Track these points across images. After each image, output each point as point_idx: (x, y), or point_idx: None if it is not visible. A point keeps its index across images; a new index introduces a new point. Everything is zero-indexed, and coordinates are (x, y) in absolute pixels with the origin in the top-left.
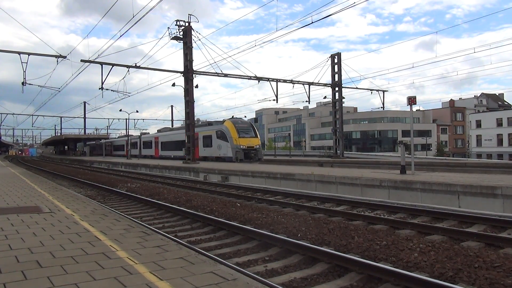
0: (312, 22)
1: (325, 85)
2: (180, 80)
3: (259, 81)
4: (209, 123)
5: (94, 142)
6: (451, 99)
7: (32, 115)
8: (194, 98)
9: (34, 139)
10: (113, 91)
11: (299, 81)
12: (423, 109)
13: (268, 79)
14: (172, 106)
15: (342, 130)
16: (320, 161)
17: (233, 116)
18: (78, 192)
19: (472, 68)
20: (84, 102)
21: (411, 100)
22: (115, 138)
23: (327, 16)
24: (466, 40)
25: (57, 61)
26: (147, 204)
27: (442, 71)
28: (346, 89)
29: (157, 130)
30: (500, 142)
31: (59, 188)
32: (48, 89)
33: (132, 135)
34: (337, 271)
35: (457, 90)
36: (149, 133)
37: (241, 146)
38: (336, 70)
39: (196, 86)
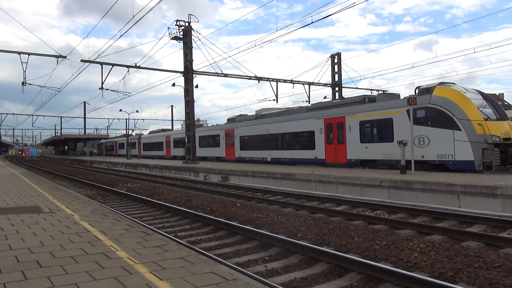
0: (312, 22)
1: (325, 85)
2: (180, 80)
3: (259, 81)
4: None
5: (101, 140)
6: None
7: (32, 115)
8: (194, 98)
9: (34, 139)
10: (113, 91)
11: (299, 81)
12: None
13: (268, 79)
14: (172, 106)
15: None
16: None
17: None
18: (78, 192)
19: (471, 68)
20: (84, 102)
21: (411, 100)
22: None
23: (327, 16)
24: (466, 40)
25: (57, 61)
26: (147, 204)
27: (441, 71)
28: (346, 89)
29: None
30: None
31: (59, 188)
32: (48, 89)
33: (142, 134)
34: (337, 271)
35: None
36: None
37: (493, 138)
38: (336, 70)
39: (196, 86)
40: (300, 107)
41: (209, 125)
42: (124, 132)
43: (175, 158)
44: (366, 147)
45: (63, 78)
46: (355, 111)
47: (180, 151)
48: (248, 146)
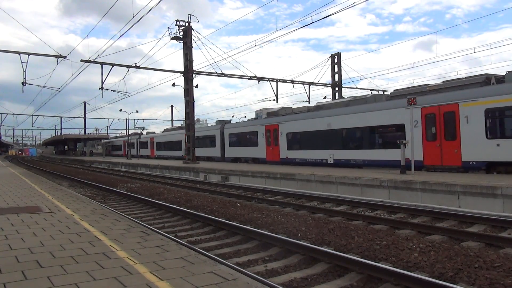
0: (312, 22)
1: (325, 85)
2: (180, 80)
3: (259, 81)
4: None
5: (103, 140)
6: None
7: (32, 115)
8: (194, 98)
9: (34, 139)
10: (113, 91)
11: (299, 81)
12: None
13: (268, 79)
14: (172, 106)
15: None
16: None
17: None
18: (78, 192)
19: (471, 68)
20: (84, 102)
21: (411, 100)
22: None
23: (327, 16)
24: (466, 40)
25: (57, 61)
26: (147, 204)
27: (441, 71)
28: (346, 89)
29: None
30: None
31: (59, 188)
32: (48, 89)
33: (154, 132)
34: (337, 271)
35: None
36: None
37: None
38: (336, 70)
39: (196, 86)
40: (375, 95)
41: (208, 125)
42: (123, 132)
43: (197, 159)
44: (498, 145)
45: (63, 78)
46: (476, 96)
47: (204, 151)
48: (299, 144)
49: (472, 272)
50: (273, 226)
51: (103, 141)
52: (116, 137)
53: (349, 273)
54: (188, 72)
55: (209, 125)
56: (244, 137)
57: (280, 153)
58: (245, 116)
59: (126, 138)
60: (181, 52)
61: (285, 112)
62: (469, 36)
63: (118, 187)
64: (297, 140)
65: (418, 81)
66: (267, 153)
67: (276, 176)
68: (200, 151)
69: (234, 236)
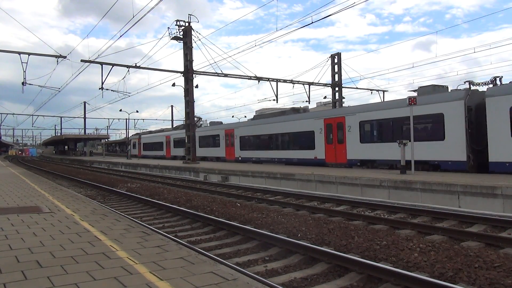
0: (312, 22)
1: (325, 85)
2: (180, 80)
3: (259, 81)
4: None
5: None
6: None
7: (32, 115)
8: (194, 98)
9: (34, 139)
10: (113, 91)
11: (299, 81)
12: None
13: (268, 79)
14: (172, 106)
15: None
16: None
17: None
18: (78, 192)
19: (470, 68)
20: (84, 102)
21: (411, 100)
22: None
23: (327, 16)
24: (465, 40)
25: (57, 61)
26: (147, 204)
27: (440, 71)
28: (346, 89)
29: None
30: None
31: (59, 188)
32: (48, 89)
33: (167, 129)
34: (337, 271)
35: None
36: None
37: None
38: (336, 70)
39: (196, 86)
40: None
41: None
42: (123, 132)
43: (240, 160)
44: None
45: (63, 78)
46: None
47: (253, 153)
48: (375, 138)
49: (472, 272)
50: (273, 226)
51: (130, 136)
52: (151, 132)
53: (349, 273)
54: (188, 72)
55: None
56: (296, 138)
57: (347, 153)
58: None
59: (172, 131)
60: (181, 52)
61: (362, 109)
62: (468, 36)
63: (118, 187)
64: (374, 135)
65: (418, 81)
66: (326, 153)
67: (276, 176)
68: (247, 153)
69: (234, 236)
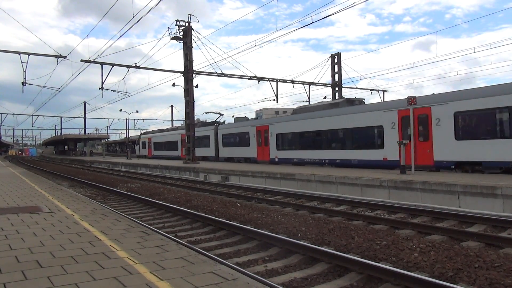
0: (312, 22)
1: (325, 85)
2: (180, 80)
3: (259, 81)
4: None
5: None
6: None
7: (32, 115)
8: (194, 98)
9: (34, 139)
10: (113, 91)
11: (299, 81)
12: None
13: (268, 79)
14: (172, 106)
15: None
16: None
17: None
18: (78, 192)
19: (470, 68)
20: (84, 102)
21: (411, 100)
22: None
23: (327, 16)
24: (465, 40)
25: (57, 61)
26: (147, 204)
27: (440, 71)
28: (346, 89)
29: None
30: None
31: (59, 188)
32: (48, 89)
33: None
34: (337, 271)
35: (455, 89)
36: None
37: None
38: (336, 70)
39: (196, 86)
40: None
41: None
42: (124, 132)
43: (276, 162)
44: (279, 150)
45: (63, 78)
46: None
47: (295, 153)
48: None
49: (472, 272)
50: (273, 226)
51: (141, 132)
52: (163, 130)
53: (349, 273)
54: (188, 72)
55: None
56: (361, 134)
57: (433, 154)
58: (245, 116)
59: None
60: (181, 52)
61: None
62: (468, 36)
63: (118, 187)
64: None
65: (418, 81)
66: (418, 154)
67: (276, 176)
68: (285, 153)
69: (234, 236)
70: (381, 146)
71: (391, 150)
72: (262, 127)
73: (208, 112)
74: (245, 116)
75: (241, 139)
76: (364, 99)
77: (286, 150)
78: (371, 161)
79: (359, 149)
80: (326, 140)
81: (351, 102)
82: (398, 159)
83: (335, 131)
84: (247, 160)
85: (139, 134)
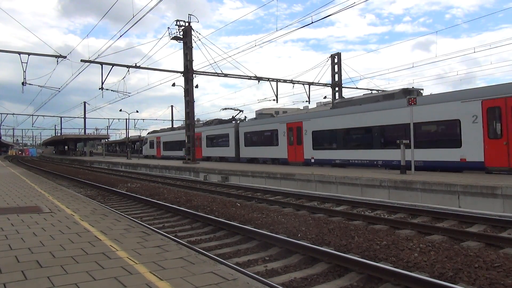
0: (312, 22)
1: (325, 85)
2: (180, 80)
3: (259, 81)
4: None
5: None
6: None
7: (32, 115)
8: (194, 98)
9: (34, 139)
10: (113, 91)
11: (299, 81)
12: None
13: (268, 79)
14: (172, 106)
15: None
16: None
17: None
18: (78, 192)
19: (470, 68)
20: (84, 102)
21: (411, 100)
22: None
23: (327, 16)
24: (465, 40)
25: (57, 61)
26: (147, 204)
27: (440, 71)
28: (346, 89)
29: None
30: None
31: (59, 188)
32: (48, 89)
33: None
34: (337, 271)
35: (455, 89)
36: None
37: None
38: (336, 70)
39: (196, 86)
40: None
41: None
42: (124, 132)
43: (313, 163)
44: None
45: (63, 78)
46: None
47: (336, 154)
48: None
49: (472, 272)
50: (273, 226)
51: (148, 132)
52: (173, 128)
53: (349, 273)
54: (188, 72)
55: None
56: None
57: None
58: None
59: (204, 127)
60: (181, 52)
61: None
62: (468, 36)
63: (118, 187)
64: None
65: (418, 81)
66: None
67: (276, 176)
68: (321, 153)
69: (234, 236)
70: (457, 144)
71: (471, 149)
72: (294, 124)
73: (225, 108)
74: (275, 112)
75: (267, 138)
76: (422, 89)
77: (324, 150)
78: (443, 162)
79: (425, 148)
80: (378, 138)
81: (409, 92)
82: (482, 159)
83: (392, 127)
84: (274, 161)
85: (141, 133)
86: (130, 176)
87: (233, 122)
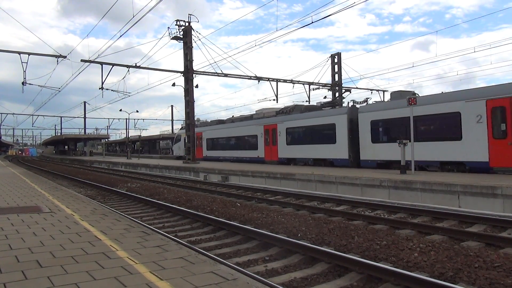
0: (312, 22)
1: (325, 85)
2: (180, 80)
3: (259, 81)
4: None
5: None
6: None
7: (32, 115)
8: (194, 98)
9: (34, 139)
10: (113, 91)
11: (299, 81)
12: None
13: (268, 79)
14: (172, 106)
15: None
16: None
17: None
18: (78, 192)
19: (470, 68)
20: (84, 102)
21: (411, 100)
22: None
23: (327, 16)
24: (465, 40)
25: (57, 61)
26: (147, 204)
27: (439, 71)
28: (345, 88)
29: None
30: None
31: (59, 188)
32: (48, 89)
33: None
34: (337, 271)
35: (455, 89)
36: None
37: None
38: (336, 70)
39: (196, 86)
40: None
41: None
42: (124, 132)
43: (380, 164)
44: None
45: (63, 78)
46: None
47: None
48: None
49: (472, 272)
50: (273, 226)
51: (181, 125)
52: (221, 121)
53: (349, 273)
54: (188, 72)
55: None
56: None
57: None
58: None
59: (281, 116)
60: (181, 52)
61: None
62: (468, 36)
63: (118, 187)
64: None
65: (418, 81)
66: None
67: (276, 176)
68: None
69: (234, 236)
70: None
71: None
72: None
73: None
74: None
75: (317, 135)
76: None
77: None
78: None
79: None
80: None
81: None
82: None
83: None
84: (327, 163)
85: (141, 133)
86: (130, 176)
87: (347, 107)
